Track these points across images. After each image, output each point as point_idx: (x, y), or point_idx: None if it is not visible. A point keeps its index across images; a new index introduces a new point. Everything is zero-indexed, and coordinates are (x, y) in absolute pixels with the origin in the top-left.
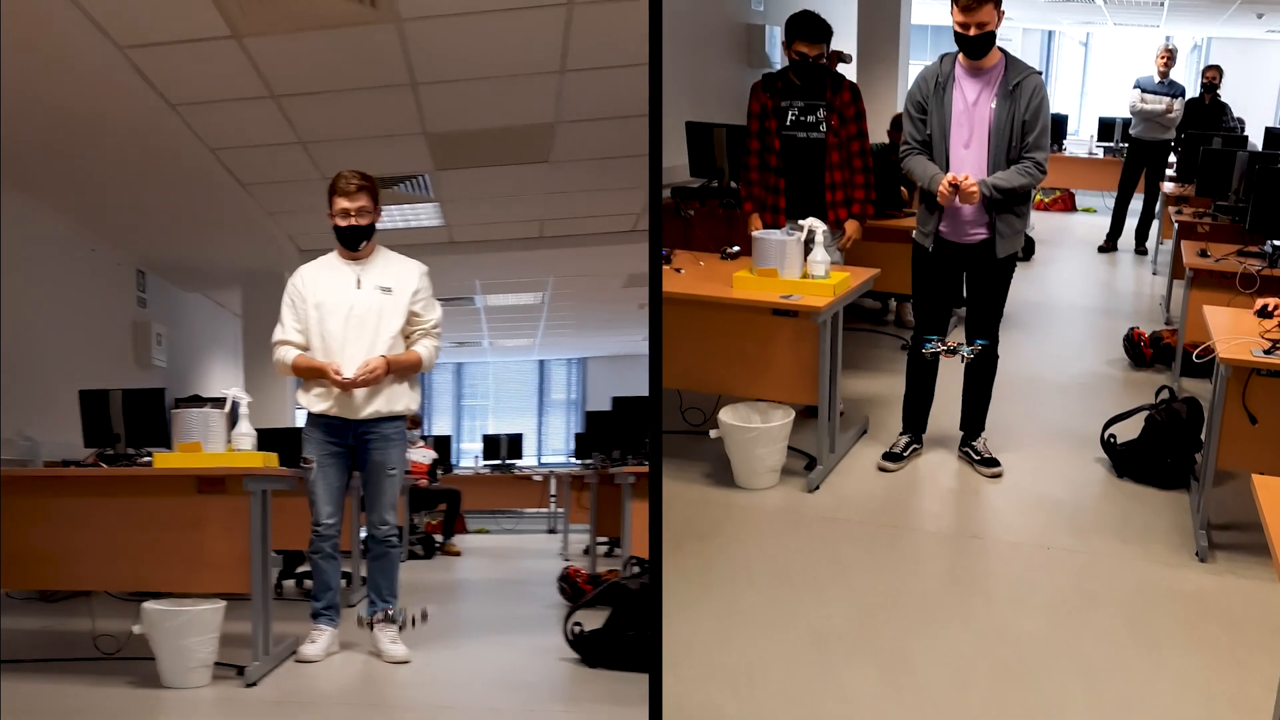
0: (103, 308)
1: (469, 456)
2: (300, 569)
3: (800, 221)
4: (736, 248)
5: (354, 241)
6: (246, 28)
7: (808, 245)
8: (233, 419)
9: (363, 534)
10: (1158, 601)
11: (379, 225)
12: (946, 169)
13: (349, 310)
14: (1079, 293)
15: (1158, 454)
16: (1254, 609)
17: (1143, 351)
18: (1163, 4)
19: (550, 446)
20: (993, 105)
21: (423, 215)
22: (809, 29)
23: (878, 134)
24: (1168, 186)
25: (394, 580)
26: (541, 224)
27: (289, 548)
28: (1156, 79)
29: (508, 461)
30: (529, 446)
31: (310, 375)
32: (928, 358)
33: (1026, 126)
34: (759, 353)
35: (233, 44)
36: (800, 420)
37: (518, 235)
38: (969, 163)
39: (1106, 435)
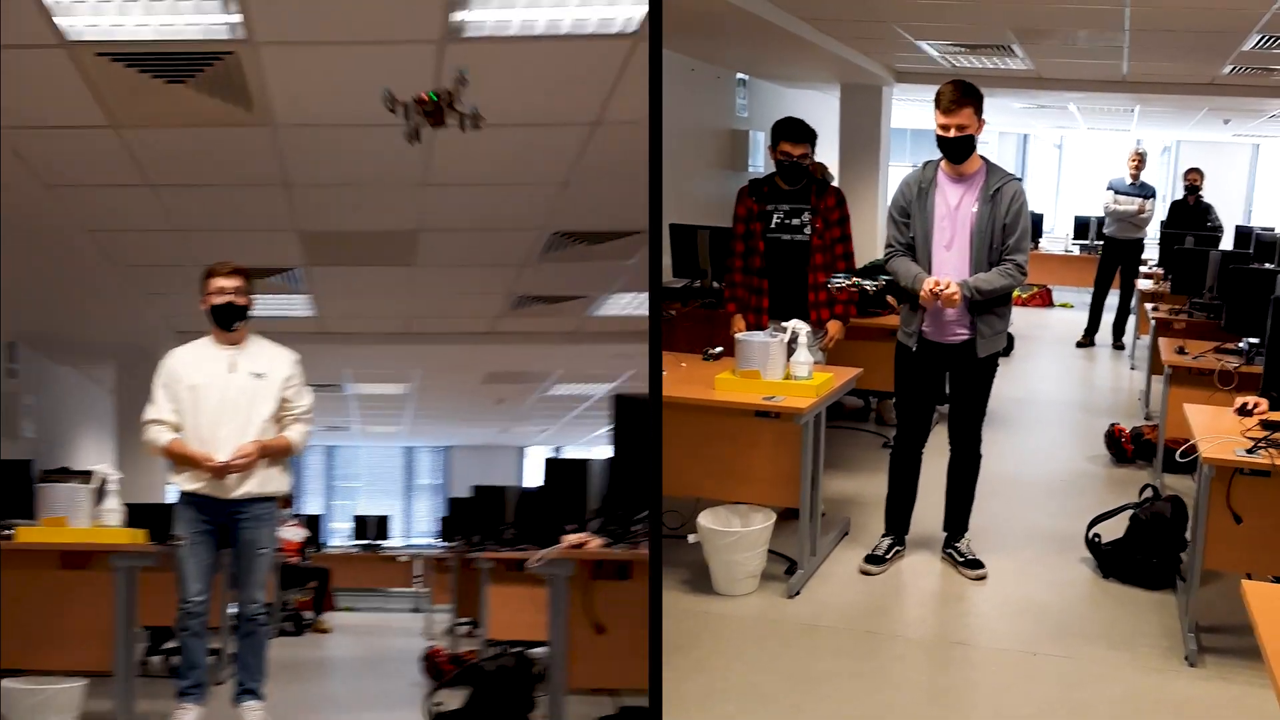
0: None
1: (339, 535)
2: (167, 645)
3: (783, 323)
4: (719, 349)
5: (229, 320)
6: (125, 119)
7: (790, 346)
8: (101, 494)
9: (231, 610)
10: (1147, 710)
11: (252, 313)
12: (929, 270)
13: (222, 393)
14: (1058, 388)
15: (1143, 554)
16: (1245, 717)
17: (1124, 448)
18: (1133, 110)
19: (416, 528)
20: (974, 209)
21: (295, 306)
22: (793, 131)
23: (860, 235)
24: (1143, 284)
25: (263, 659)
26: (408, 320)
27: (157, 623)
28: (1128, 180)
29: (375, 541)
30: (396, 528)
31: (184, 462)
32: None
33: (1007, 230)
34: (740, 455)
35: (110, 133)
36: (781, 522)
37: (386, 329)
38: (951, 264)
39: (1091, 535)
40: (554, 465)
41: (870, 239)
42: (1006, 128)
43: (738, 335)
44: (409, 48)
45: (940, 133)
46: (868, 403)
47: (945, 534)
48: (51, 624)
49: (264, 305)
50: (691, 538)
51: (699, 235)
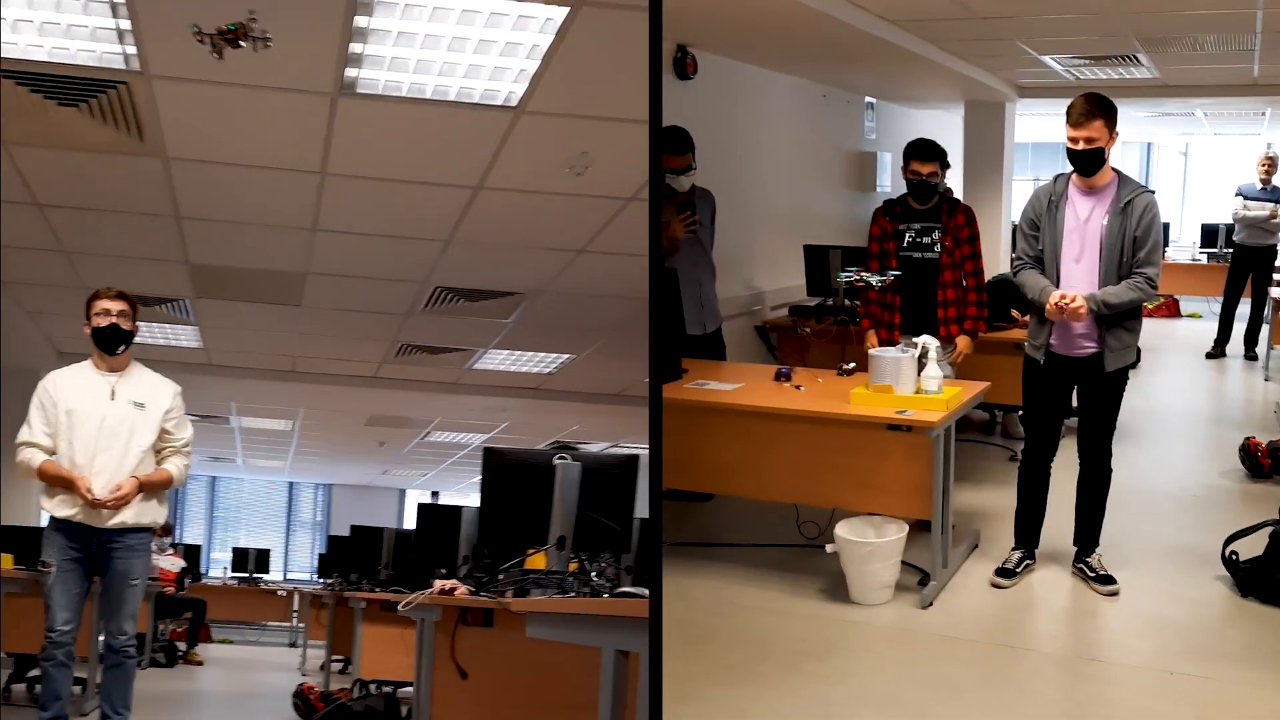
0: None
1: (218, 566)
2: (31, 673)
3: (914, 339)
4: (852, 365)
5: (112, 345)
6: (12, 137)
7: (921, 361)
8: None
9: (101, 638)
10: None
11: (137, 339)
12: (1058, 284)
13: (101, 420)
14: (1189, 401)
15: None
16: None
17: (1260, 462)
18: (1264, 113)
19: (296, 563)
20: (1104, 222)
21: (182, 336)
22: (923, 150)
23: (984, 251)
24: (1276, 292)
25: (128, 692)
26: (294, 359)
27: (21, 650)
28: (1258, 185)
29: (255, 574)
30: (276, 561)
31: (58, 484)
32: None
33: (1138, 243)
34: (874, 467)
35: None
36: (912, 534)
37: (272, 366)
38: (1079, 277)
39: (1228, 552)
40: (427, 510)
41: (994, 254)
42: (1130, 137)
43: (871, 351)
44: (302, 97)
45: (1070, 145)
46: (993, 416)
47: (1076, 549)
48: None
49: (150, 334)
50: (829, 547)
51: (831, 254)
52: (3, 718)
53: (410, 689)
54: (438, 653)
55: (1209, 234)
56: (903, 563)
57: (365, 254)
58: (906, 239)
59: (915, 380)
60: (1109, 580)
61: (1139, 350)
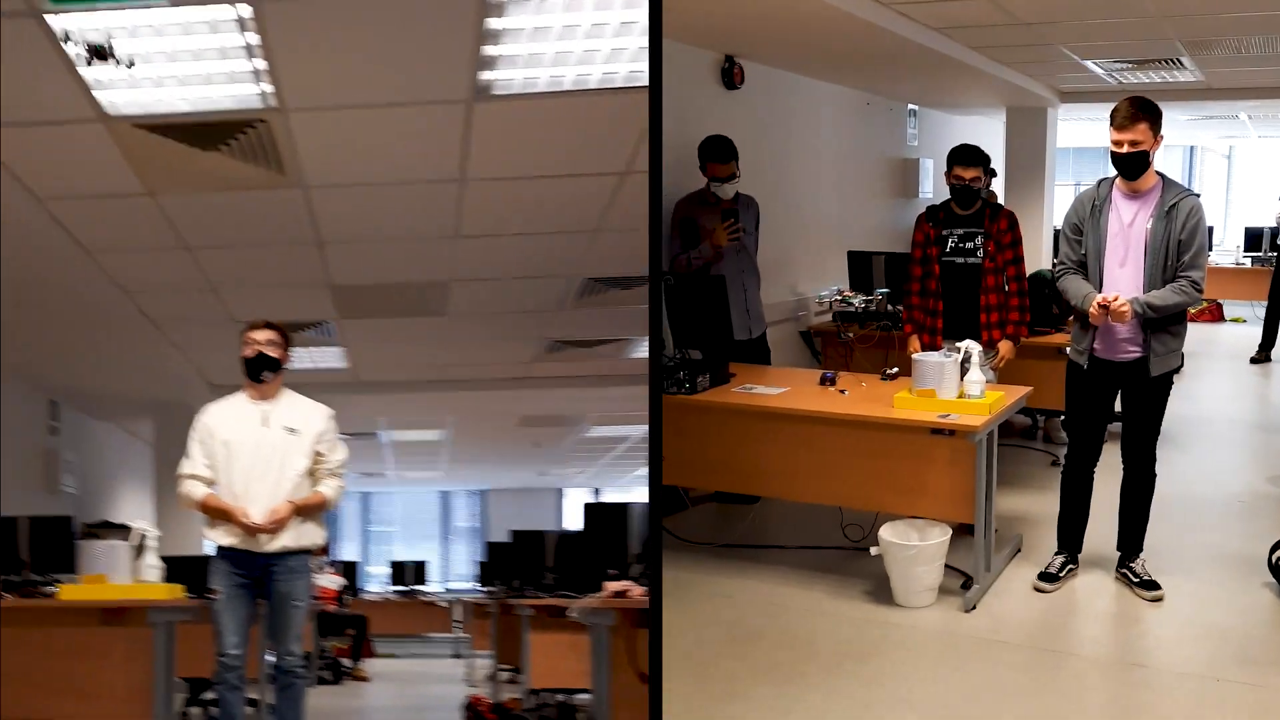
0: (14, 437)
1: (376, 581)
2: (205, 695)
3: (957, 343)
4: (895, 369)
5: (258, 371)
6: (161, 187)
7: (964, 366)
8: (141, 550)
9: (269, 660)
10: None
11: (287, 367)
12: (1101, 288)
13: (256, 449)
14: (1233, 406)
15: None
16: None
17: None
18: None
19: (455, 572)
20: (1149, 225)
21: (329, 358)
22: (966, 156)
23: (1029, 255)
24: None
25: (301, 711)
26: (441, 368)
27: (194, 675)
28: None
29: (414, 587)
30: (434, 572)
31: (218, 516)
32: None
33: (1182, 246)
34: (917, 471)
35: (148, 200)
36: (955, 538)
37: (419, 378)
38: (1124, 281)
39: (1274, 558)
40: (594, 509)
41: (1035, 259)
42: (1172, 140)
43: (914, 355)
44: (437, 108)
45: (1114, 149)
46: (1035, 421)
47: (1119, 554)
48: (92, 679)
49: (297, 358)
50: (873, 550)
51: (874, 260)
52: None
53: (585, 696)
54: (615, 658)
55: (1253, 237)
56: (946, 566)
57: (510, 254)
58: (949, 244)
59: (958, 385)
60: (1153, 586)
61: (1183, 355)
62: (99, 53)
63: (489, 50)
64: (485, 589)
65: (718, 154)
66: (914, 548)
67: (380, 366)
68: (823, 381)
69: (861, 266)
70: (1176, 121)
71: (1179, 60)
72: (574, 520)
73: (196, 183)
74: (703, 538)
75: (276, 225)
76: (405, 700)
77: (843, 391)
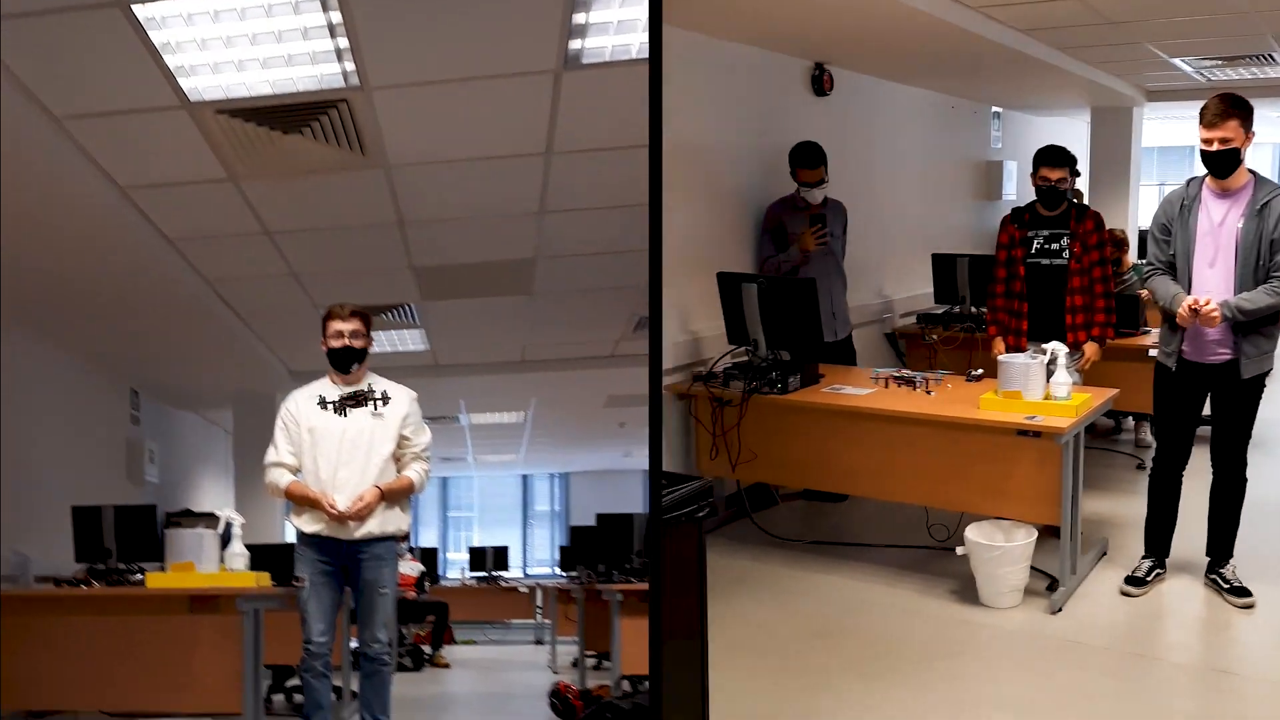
0: (97, 427)
1: (455, 568)
2: (290, 683)
3: (1042, 345)
4: (980, 370)
5: (346, 363)
6: (243, 171)
7: (1050, 367)
8: (226, 538)
9: (353, 645)
10: None
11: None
12: (1190, 289)
13: (341, 435)
14: None
15: None
16: None
17: None
18: None
19: (535, 558)
20: (1239, 224)
21: (410, 341)
22: (1052, 156)
23: None
24: None
25: (386, 698)
26: (524, 348)
27: (279, 662)
28: None
29: (494, 573)
30: (514, 558)
31: (304, 503)
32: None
33: (1275, 245)
34: (1003, 472)
35: (229, 186)
36: (1040, 540)
37: (501, 359)
38: (1213, 282)
39: None
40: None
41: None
42: (1263, 138)
43: (1000, 357)
44: (524, 79)
45: (1203, 147)
46: (1118, 423)
47: (1208, 559)
48: (181, 667)
49: (378, 342)
50: (959, 550)
51: (958, 263)
52: None
53: None
54: None
55: None
56: (1031, 568)
57: (597, 229)
58: (1035, 245)
59: (1044, 386)
60: (1244, 592)
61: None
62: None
63: (579, 18)
64: (567, 574)
65: (807, 160)
66: (999, 549)
67: (462, 348)
68: (900, 382)
69: (945, 269)
70: (1267, 118)
71: (1270, 56)
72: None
73: (279, 167)
74: (792, 534)
75: (358, 207)
76: (488, 687)
77: (929, 392)
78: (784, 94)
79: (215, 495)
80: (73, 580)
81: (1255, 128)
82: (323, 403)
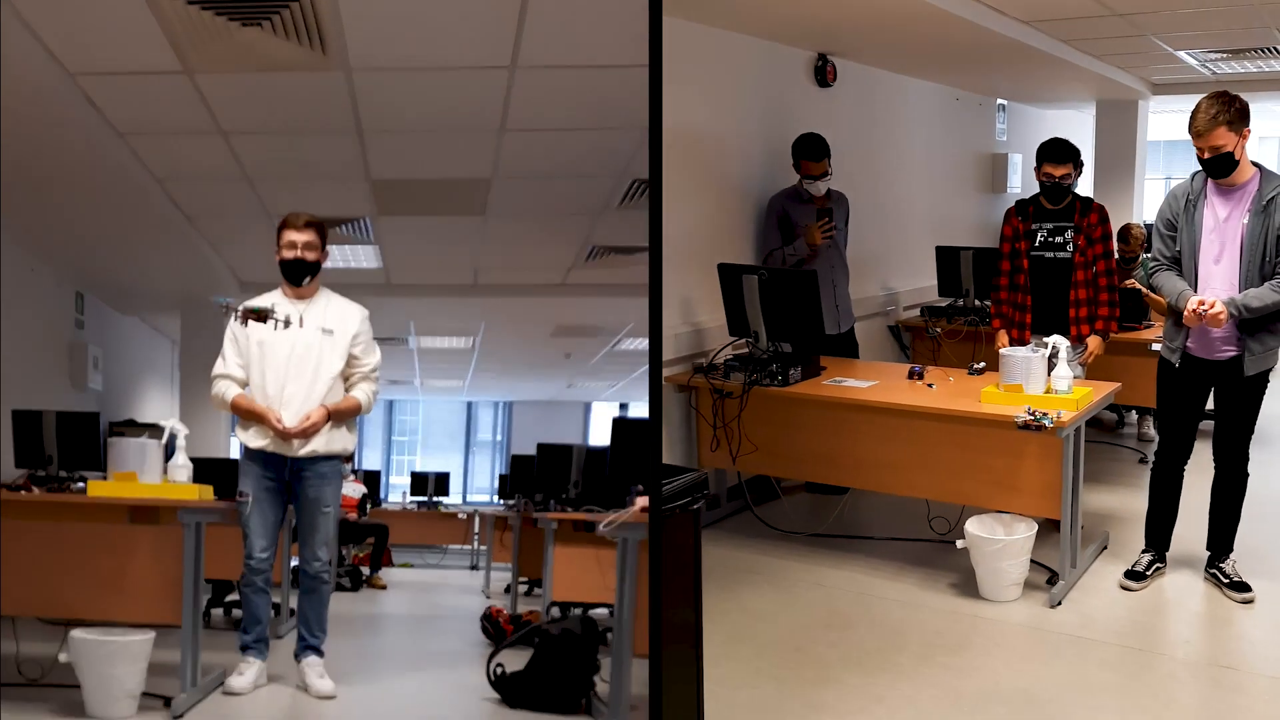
0: (40, 329)
1: (397, 491)
2: (229, 598)
3: (1045, 338)
4: (983, 364)
5: (298, 275)
6: (198, 64)
7: (1051, 361)
8: (170, 449)
9: (293, 562)
10: None
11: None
12: (1196, 285)
13: (290, 350)
14: None
15: None
16: None
17: None
18: None
19: (476, 485)
20: (1244, 221)
21: (362, 257)
22: (1056, 152)
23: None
24: None
25: (324, 616)
26: (476, 272)
27: (219, 577)
28: None
29: (434, 498)
30: (455, 484)
31: (250, 417)
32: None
33: None
34: (1004, 466)
35: (184, 78)
36: (1041, 533)
37: (453, 281)
38: (1219, 278)
39: None
40: (623, 424)
41: None
42: (1268, 132)
43: (1001, 350)
44: None
45: (1198, 153)
46: (1122, 418)
47: (1208, 554)
48: (120, 576)
49: (330, 257)
50: (960, 543)
51: (962, 256)
52: (204, 641)
53: (604, 610)
54: (641, 573)
55: None
56: (1032, 561)
57: (556, 151)
58: (1039, 239)
59: (1046, 380)
60: (1244, 587)
61: None
62: None
63: None
64: (506, 502)
65: (810, 152)
66: (999, 542)
67: (414, 268)
68: (911, 375)
69: (950, 262)
70: (1274, 112)
71: (1275, 49)
72: (601, 434)
73: (234, 60)
74: (794, 527)
75: (317, 112)
76: (423, 609)
77: (931, 385)
78: (787, 85)
79: (160, 405)
80: (12, 485)
81: (1266, 122)
82: (273, 315)
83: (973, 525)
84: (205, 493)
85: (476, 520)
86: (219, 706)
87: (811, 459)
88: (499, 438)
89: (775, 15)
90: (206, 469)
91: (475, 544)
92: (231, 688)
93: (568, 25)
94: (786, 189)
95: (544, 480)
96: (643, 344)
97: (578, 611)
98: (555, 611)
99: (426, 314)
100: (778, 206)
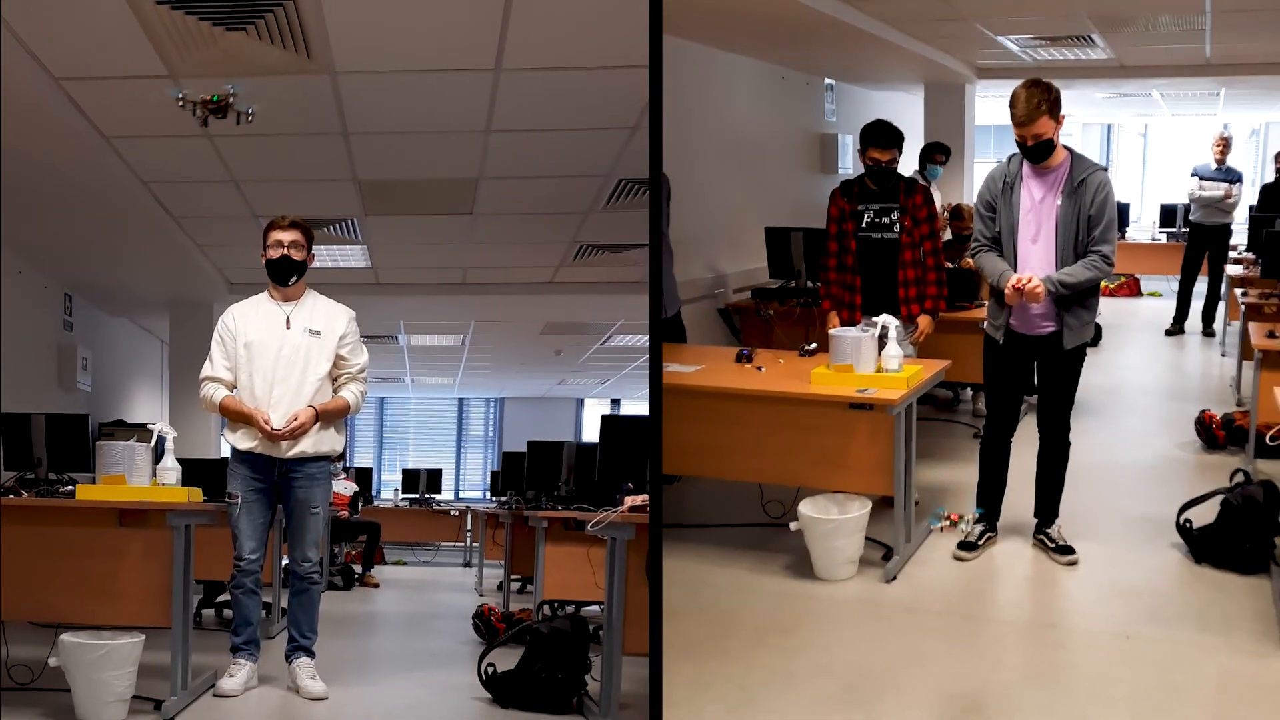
0: (28, 330)
1: (389, 489)
2: (220, 599)
3: (875, 318)
4: (814, 345)
5: (284, 275)
6: (183, 68)
7: (881, 340)
8: (158, 452)
9: (284, 563)
10: (1243, 692)
11: (311, 267)
12: (1015, 264)
13: (278, 350)
14: (1148, 376)
15: (1235, 538)
16: None
17: (1215, 434)
18: (1219, 94)
19: (468, 482)
20: (1059, 202)
21: (350, 257)
22: (881, 136)
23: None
24: (1232, 269)
25: (314, 616)
26: (464, 271)
27: (209, 578)
28: (1213, 166)
29: (426, 495)
30: (447, 481)
31: (238, 419)
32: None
33: (1093, 221)
34: (837, 445)
35: (169, 83)
36: (877, 510)
37: (441, 280)
38: (1037, 257)
39: (1182, 520)
40: (612, 422)
41: None
42: (1090, 119)
43: (831, 331)
44: None
45: (1019, 141)
46: (957, 395)
47: (1036, 520)
48: (109, 579)
49: (319, 257)
50: (793, 525)
51: (793, 237)
52: (195, 642)
53: (595, 609)
54: (631, 572)
55: (1168, 214)
56: (867, 539)
57: (543, 151)
58: (865, 219)
59: (876, 359)
60: (1068, 550)
61: (1099, 327)
62: None
63: None
64: (498, 499)
65: None
66: (833, 521)
67: (403, 267)
68: (739, 358)
69: (780, 243)
70: (1093, 100)
71: (1090, 38)
72: (592, 430)
73: (220, 66)
74: None
75: (303, 114)
76: (415, 607)
77: (759, 368)
78: None
79: (149, 405)
80: (1, 489)
81: (1085, 109)
82: (261, 317)
83: (806, 506)
84: (194, 495)
85: (469, 517)
86: (210, 709)
87: None
88: (491, 434)
89: None
90: (196, 470)
91: (468, 541)
92: (222, 690)
93: (552, 28)
94: None
95: (535, 478)
96: (633, 340)
97: (570, 609)
98: (546, 610)
99: (416, 312)
100: None
